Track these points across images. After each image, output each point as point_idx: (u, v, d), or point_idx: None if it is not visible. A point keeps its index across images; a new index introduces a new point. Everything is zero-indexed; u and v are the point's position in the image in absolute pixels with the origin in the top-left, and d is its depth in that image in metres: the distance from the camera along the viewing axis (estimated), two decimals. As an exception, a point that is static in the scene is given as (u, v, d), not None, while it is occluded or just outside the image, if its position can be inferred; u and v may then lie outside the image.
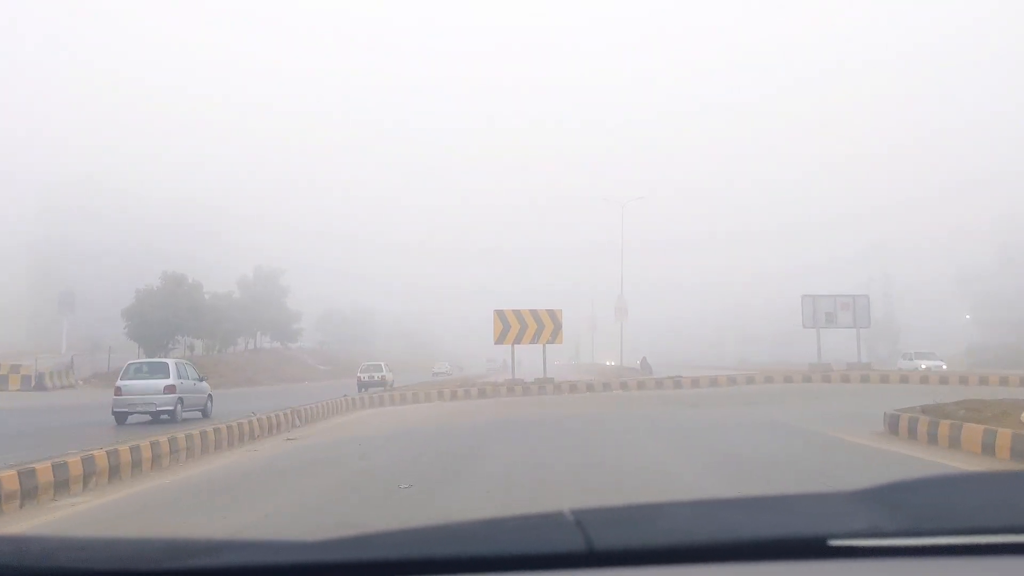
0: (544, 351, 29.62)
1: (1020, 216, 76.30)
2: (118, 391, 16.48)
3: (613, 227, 68.49)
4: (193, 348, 57.38)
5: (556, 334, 29.15)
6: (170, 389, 16.49)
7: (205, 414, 17.59)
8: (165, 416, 16.36)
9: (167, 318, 51.00)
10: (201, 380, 18.27)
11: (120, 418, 16.21)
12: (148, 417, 16.45)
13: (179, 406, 16.62)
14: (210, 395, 18.30)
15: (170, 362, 17.89)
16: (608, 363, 57.87)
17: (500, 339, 29.09)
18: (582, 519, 1.35)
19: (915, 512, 1.41)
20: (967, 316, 74.64)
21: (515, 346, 29.38)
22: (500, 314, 29.14)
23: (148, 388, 16.53)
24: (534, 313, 29.17)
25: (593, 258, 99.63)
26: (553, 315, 29.23)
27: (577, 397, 24.47)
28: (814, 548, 1.31)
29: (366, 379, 33.89)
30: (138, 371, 17.27)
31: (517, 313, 29.16)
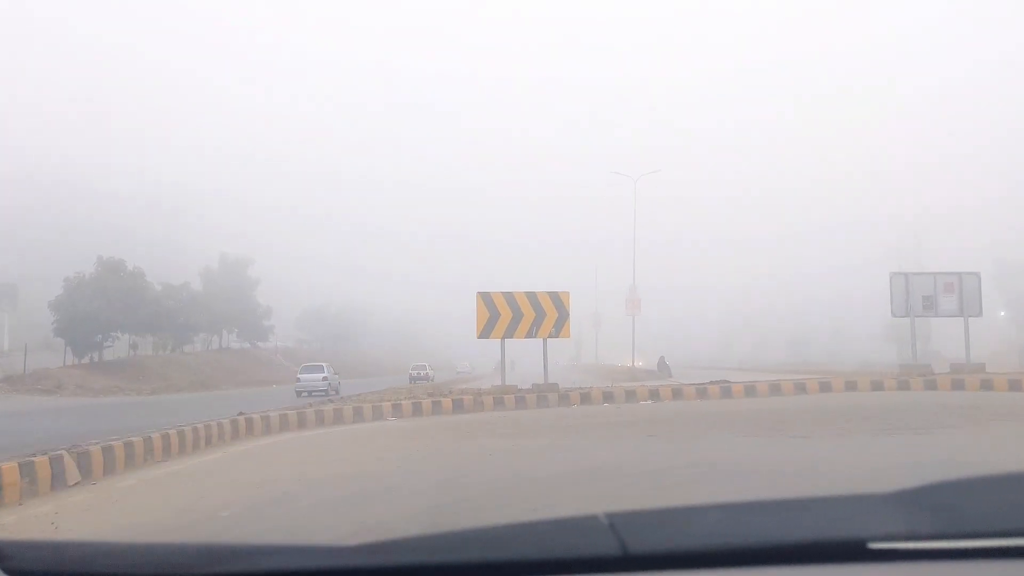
0: (545, 347, 22.05)
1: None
2: None
3: (624, 216, 60.96)
4: (136, 347, 49.68)
5: (561, 325, 21.61)
6: None
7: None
8: None
9: (99, 311, 43.25)
10: None
11: None
12: None
13: None
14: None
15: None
16: (621, 364, 50.47)
17: (486, 331, 21.55)
18: (616, 522, 1.33)
19: (955, 514, 1.37)
20: (1001, 313, 68.48)
21: (506, 341, 21.86)
22: (486, 298, 21.60)
23: None
24: (531, 297, 21.62)
25: (598, 250, 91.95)
26: (557, 300, 21.69)
27: (595, 414, 16.94)
28: (853, 551, 1.28)
29: (306, 384, 27.36)
30: None
31: (508, 297, 21.62)
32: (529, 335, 21.59)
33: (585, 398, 19.94)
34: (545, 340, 21.76)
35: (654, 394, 20.50)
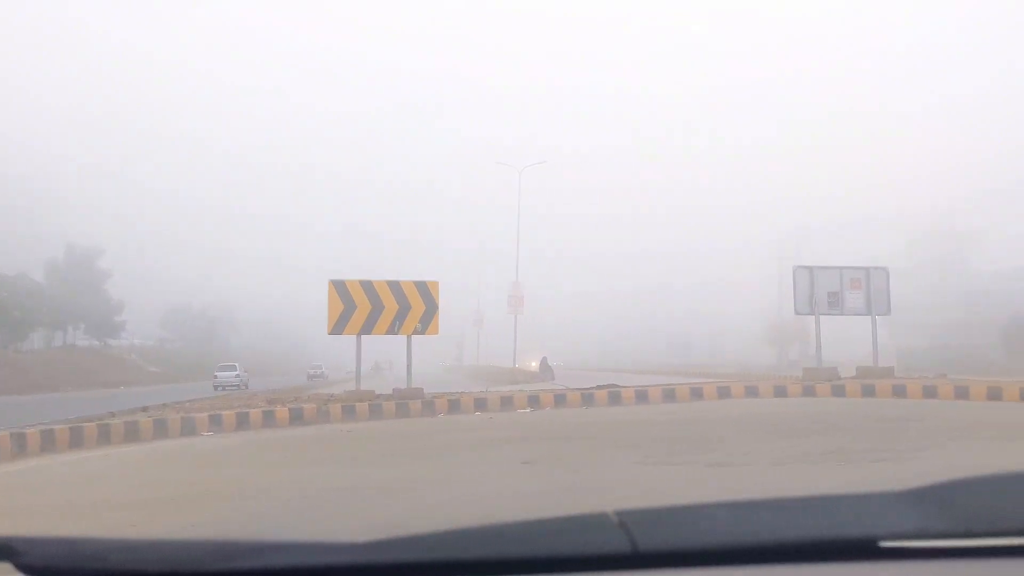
0: (409, 346, 18.89)
1: (926, 214, 71.30)
2: None
3: (510, 209, 58.16)
4: (-46, 344, 43.87)
5: (429, 320, 18.53)
6: None
7: None
8: None
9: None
10: None
11: None
12: None
13: None
14: None
15: None
16: (503, 366, 47.77)
17: (339, 326, 18.24)
18: (626, 520, 1.33)
19: (966, 513, 1.36)
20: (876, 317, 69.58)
21: (362, 337, 18.61)
22: (339, 287, 18.29)
23: None
24: (394, 286, 18.45)
25: (484, 247, 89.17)
26: (424, 290, 18.59)
27: (463, 425, 13.95)
28: (864, 549, 1.28)
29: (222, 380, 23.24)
30: None
31: (367, 286, 18.38)
32: (391, 331, 18.42)
33: (454, 406, 16.93)
34: (409, 338, 18.62)
35: (534, 401, 17.68)
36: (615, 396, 18.31)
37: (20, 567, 1.29)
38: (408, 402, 16.73)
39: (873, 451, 8.66)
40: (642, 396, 18.38)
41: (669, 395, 18.50)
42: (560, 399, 18.12)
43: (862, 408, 14.31)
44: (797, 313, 20.70)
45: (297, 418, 15.33)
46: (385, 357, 64.74)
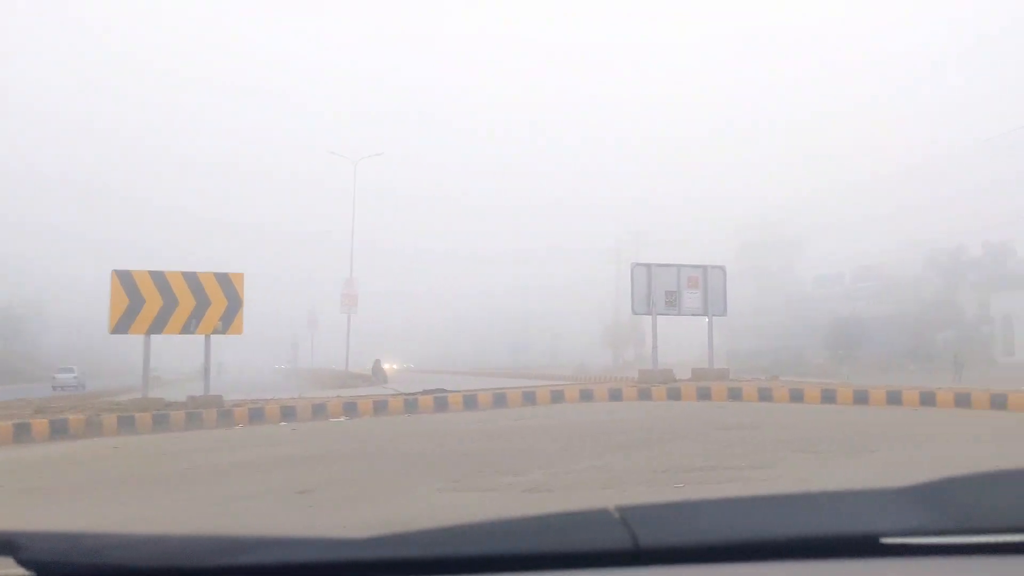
0: (208, 347, 16.61)
1: (757, 216, 74.16)
2: None
3: (345, 204, 55.28)
4: None
5: (232, 317, 16.33)
6: None
7: None
8: None
9: None
10: None
11: None
12: None
13: None
14: None
15: None
16: (337, 369, 45.31)
17: (123, 324, 15.76)
18: (628, 516, 1.32)
19: (969, 509, 1.36)
20: (706, 319, 71.72)
21: (151, 337, 16.21)
22: (125, 278, 15.81)
23: None
24: (191, 279, 16.12)
25: (318, 244, 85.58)
26: (227, 283, 16.38)
27: (260, 439, 11.97)
28: (866, 546, 1.28)
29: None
30: None
31: (158, 278, 15.98)
32: (187, 330, 16.12)
33: (256, 415, 14.89)
34: (208, 338, 16.37)
35: (350, 408, 15.87)
36: (441, 402, 16.77)
37: (22, 562, 1.28)
38: (202, 411, 14.56)
39: (716, 469, 7.48)
40: (471, 401, 16.93)
41: (500, 400, 17.14)
42: (381, 406, 16.40)
43: (700, 414, 13.38)
44: (634, 313, 19.83)
45: (60, 431, 12.90)
46: (212, 360, 60.04)
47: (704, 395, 17.41)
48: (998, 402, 14.30)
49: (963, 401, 14.75)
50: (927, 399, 15.12)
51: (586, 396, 17.60)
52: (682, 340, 37.98)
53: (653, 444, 9.37)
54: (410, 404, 16.51)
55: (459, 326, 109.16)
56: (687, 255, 62.76)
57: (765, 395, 17.00)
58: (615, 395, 17.68)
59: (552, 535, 1.34)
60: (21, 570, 1.28)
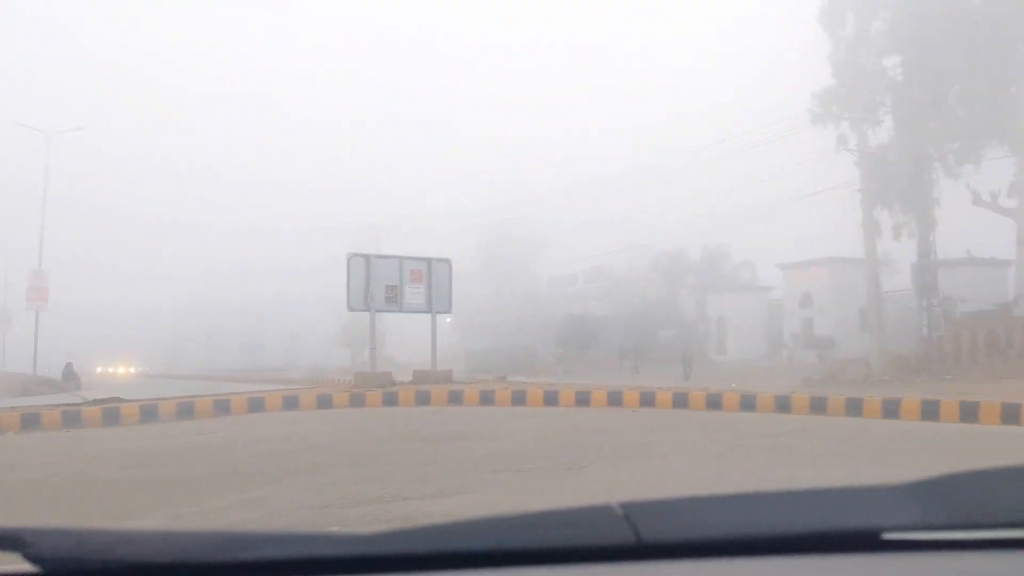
0: None
1: (499, 209, 74.92)
2: None
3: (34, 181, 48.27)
4: None
5: None
6: None
7: None
8: None
9: None
10: None
11: None
12: None
13: None
14: None
15: None
16: (22, 373, 39.43)
17: None
18: (631, 512, 1.31)
19: (971, 505, 1.36)
20: (448, 319, 71.47)
21: None
22: None
23: None
24: None
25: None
26: None
27: None
28: (867, 541, 1.27)
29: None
30: None
31: None
32: None
33: None
34: None
35: (31, 422, 12.87)
36: (111, 415, 14.10)
37: (30, 558, 1.26)
38: None
39: (392, 500, 5.90)
40: (150, 413, 14.40)
41: (186, 410, 14.72)
42: (31, 420, 13.48)
43: (409, 423, 11.87)
44: (350, 309, 17.93)
45: None
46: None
47: (424, 400, 16.03)
48: (713, 402, 14.19)
49: (681, 402, 14.52)
50: (647, 399, 14.74)
51: (291, 403, 15.60)
52: (421, 338, 36.65)
53: (333, 467, 7.67)
54: (70, 418, 13.70)
55: (189, 324, 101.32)
56: (432, 250, 61.80)
57: (487, 398, 15.93)
58: (324, 402, 15.81)
59: (555, 530, 1.34)
60: (29, 566, 1.24)
